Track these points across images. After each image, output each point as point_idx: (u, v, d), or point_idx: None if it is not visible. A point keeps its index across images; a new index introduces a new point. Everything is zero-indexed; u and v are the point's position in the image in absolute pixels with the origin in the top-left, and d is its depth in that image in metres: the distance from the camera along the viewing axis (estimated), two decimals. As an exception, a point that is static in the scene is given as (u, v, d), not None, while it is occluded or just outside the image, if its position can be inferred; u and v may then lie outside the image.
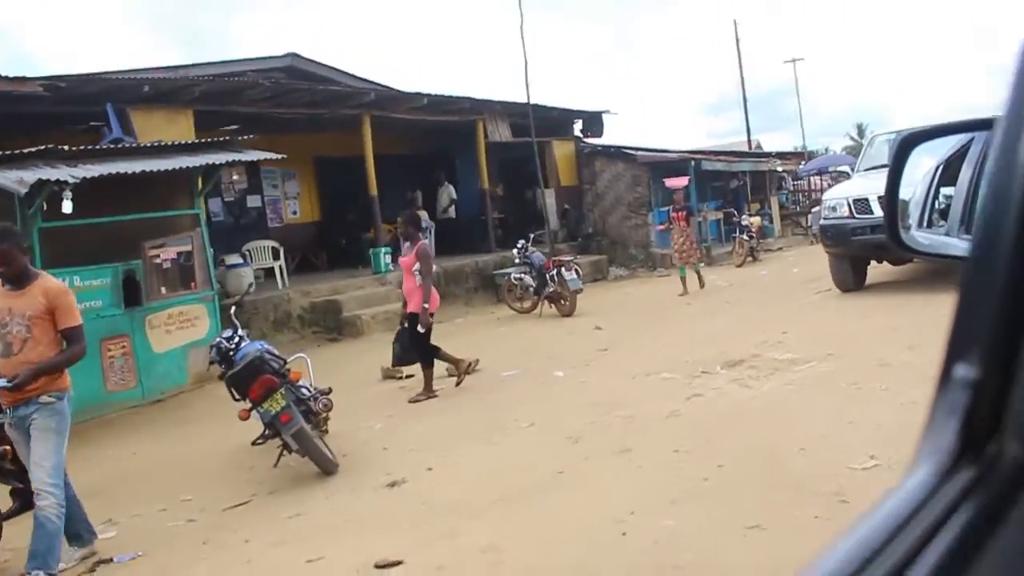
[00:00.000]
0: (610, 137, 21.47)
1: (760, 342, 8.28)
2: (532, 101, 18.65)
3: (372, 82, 19.27)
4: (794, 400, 5.98)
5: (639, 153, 19.84)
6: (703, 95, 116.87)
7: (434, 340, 8.42)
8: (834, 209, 10.98)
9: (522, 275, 13.71)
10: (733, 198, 21.64)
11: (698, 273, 14.47)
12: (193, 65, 15.53)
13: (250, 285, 12.70)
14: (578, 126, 20.88)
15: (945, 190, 3.33)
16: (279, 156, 11.22)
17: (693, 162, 19.59)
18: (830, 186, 18.62)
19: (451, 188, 19.58)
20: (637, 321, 11.49)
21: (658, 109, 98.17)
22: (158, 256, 10.50)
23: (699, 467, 4.77)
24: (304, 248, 19.52)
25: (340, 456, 6.72)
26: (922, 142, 2.12)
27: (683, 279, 14.22)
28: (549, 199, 19.36)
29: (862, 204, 10.63)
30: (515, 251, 13.97)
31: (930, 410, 0.67)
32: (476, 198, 19.89)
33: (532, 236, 14.49)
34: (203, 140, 11.04)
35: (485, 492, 5.06)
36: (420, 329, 8.16)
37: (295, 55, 18.52)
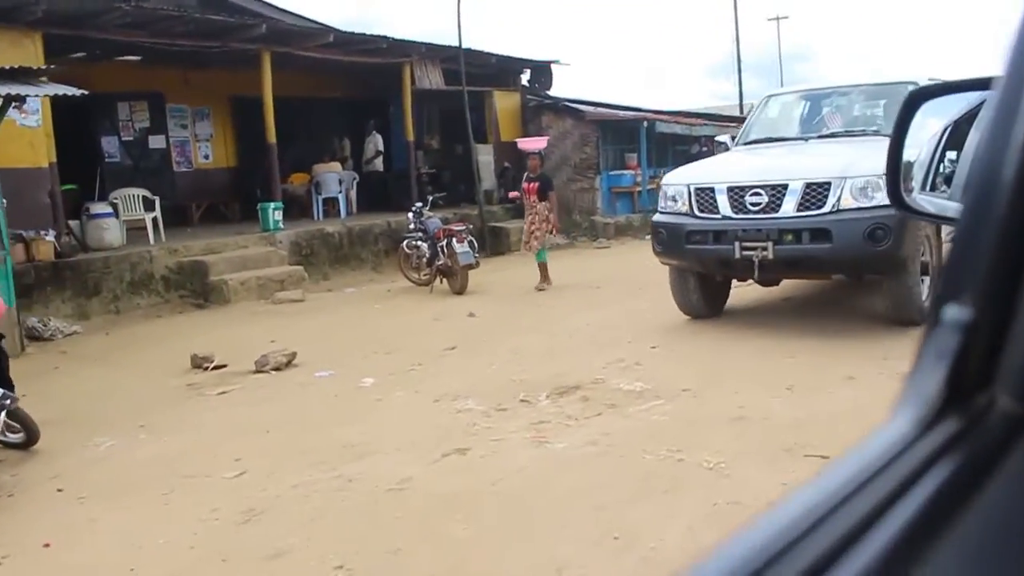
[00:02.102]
0: (593, 93, 19.46)
1: (616, 360, 6.45)
2: (474, 46, 16.68)
3: (294, 14, 17.28)
4: (576, 476, 4.15)
5: (588, 109, 17.79)
6: (710, 55, 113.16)
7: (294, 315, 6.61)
8: (673, 200, 7.55)
9: (418, 243, 11.84)
10: (695, 165, 19.56)
11: (543, 265, 11.28)
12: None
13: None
14: (526, 76, 18.79)
15: (951, 154, 3.21)
16: (79, 92, 9.21)
17: (645, 123, 17.53)
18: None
19: (378, 138, 17.60)
20: (520, 309, 9.64)
21: (662, 67, 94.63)
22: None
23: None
24: (216, 196, 17.66)
25: (4, 496, 5.03)
26: (929, 99, 1.86)
27: (542, 266, 11.26)
28: (484, 156, 17.37)
29: (706, 197, 7.27)
30: (410, 215, 12.06)
31: (916, 355, 0.60)
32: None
33: (431, 198, 12.60)
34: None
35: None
36: None
37: (204, -22, 16.55)
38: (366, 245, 14.76)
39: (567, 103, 17.99)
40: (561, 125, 18.09)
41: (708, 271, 7.67)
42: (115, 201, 13.12)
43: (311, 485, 4.35)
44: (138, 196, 13.39)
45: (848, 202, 6.57)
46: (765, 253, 6.83)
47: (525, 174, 11.78)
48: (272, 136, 14.49)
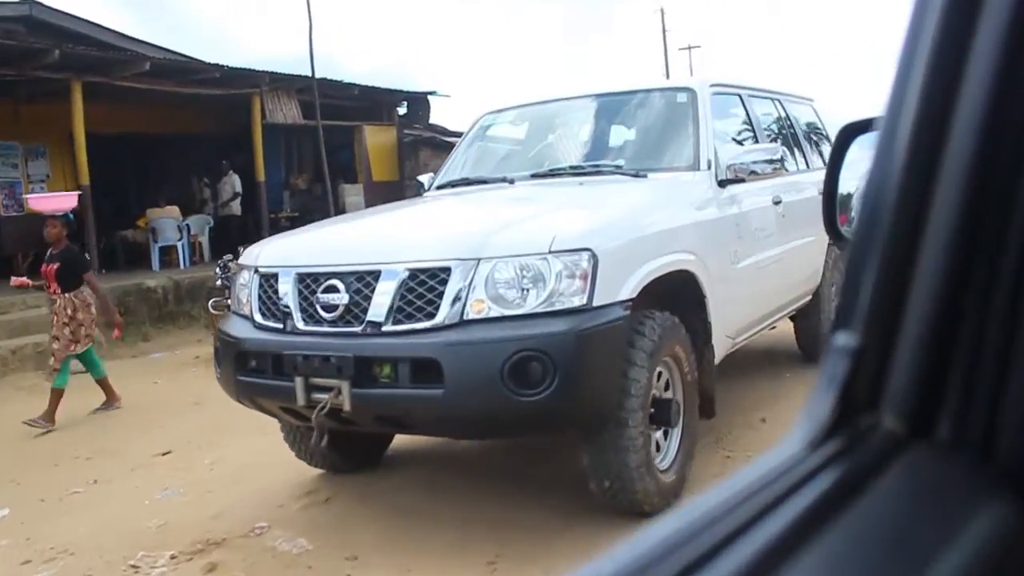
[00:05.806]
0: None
1: (307, 493, 4.70)
2: (348, 78, 15.09)
3: (139, 41, 15.58)
4: None
5: (465, 144, 16.21)
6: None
7: None
8: (244, 290, 4.31)
9: (228, 303, 10.05)
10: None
11: (102, 381, 7.55)
12: None
13: None
14: (403, 109, 17.22)
15: None
16: None
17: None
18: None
19: (235, 178, 15.87)
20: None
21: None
22: None
23: None
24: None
25: None
26: (861, 133, 1.80)
27: (54, 393, 7.06)
28: (353, 196, 15.71)
29: (271, 290, 4.04)
30: (217, 270, 10.28)
31: (815, 383, 0.63)
32: (275, 190, 16.33)
33: (243, 249, 10.80)
34: None
35: None
36: None
37: (34, 3, 14.85)
38: (197, 300, 12.90)
39: (444, 137, 16.39)
40: (439, 161, 16.46)
41: (268, 412, 4.25)
42: None
43: None
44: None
45: (479, 306, 3.46)
46: (338, 400, 3.57)
47: (48, 251, 7.48)
48: (85, 177, 12.81)
